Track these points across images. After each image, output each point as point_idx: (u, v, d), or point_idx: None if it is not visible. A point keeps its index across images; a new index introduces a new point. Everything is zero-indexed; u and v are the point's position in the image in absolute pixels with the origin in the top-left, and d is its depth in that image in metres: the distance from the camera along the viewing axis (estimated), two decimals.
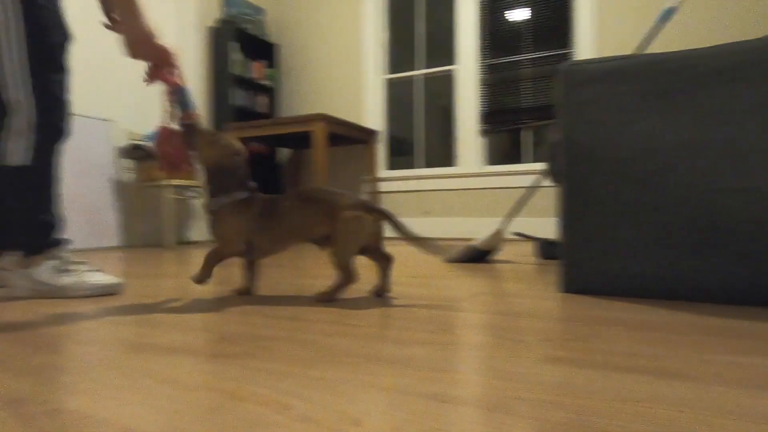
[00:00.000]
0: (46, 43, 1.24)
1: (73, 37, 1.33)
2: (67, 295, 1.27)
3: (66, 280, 1.28)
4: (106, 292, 1.31)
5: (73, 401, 0.55)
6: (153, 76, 1.22)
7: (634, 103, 1.15)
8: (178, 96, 1.21)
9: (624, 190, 1.16)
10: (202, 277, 1.21)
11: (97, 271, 1.34)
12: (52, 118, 1.26)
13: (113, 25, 1.26)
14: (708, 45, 1.95)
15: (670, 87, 1.12)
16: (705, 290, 1.09)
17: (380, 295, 1.21)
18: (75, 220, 3.06)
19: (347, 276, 1.12)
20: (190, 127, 1.18)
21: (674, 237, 1.11)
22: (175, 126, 1.21)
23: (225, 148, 1.17)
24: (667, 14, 1.92)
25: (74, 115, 3.13)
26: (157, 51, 1.20)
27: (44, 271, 1.27)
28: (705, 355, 0.70)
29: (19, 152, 1.22)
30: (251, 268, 1.28)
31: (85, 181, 3.17)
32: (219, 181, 1.17)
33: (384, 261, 1.19)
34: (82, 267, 1.31)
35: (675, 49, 2.88)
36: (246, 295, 1.27)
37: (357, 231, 1.09)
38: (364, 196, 4.32)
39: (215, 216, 1.17)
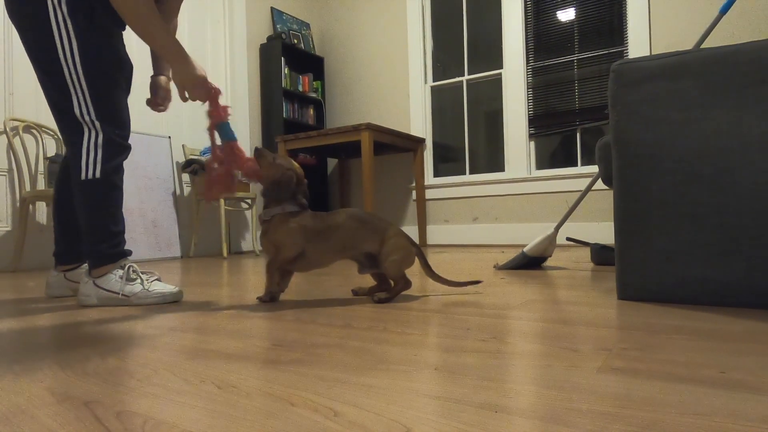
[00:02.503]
0: (106, 69, 1.36)
1: (132, 65, 1.46)
2: (132, 304, 1.35)
3: (132, 289, 1.36)
4: (169, 300, 1.38)
5: (138, 404, 0.59)
6: (210, 112, 1.38)
7: (699, 99, 1.09)
8: (222, 129, 1.37)
9: (687, 192, 1.10)
10: (269, 289, 1.32)
11: (159, 280, 1.41)
12: (116, 136, 1.37)
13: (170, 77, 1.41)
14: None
15: (738, 81, 1.05)
16: None
17: (378, 300, 1.30)
18: (139, 232, 3.23)
19: (405, 283, 1.31)
20: (257, 151, 1.33)
21: (743, 241, 1.04)
22: (220, 150, 1.38)
23: (280, 166, 1.32)
24: (729, 3, 1.83)
25: (138, 133, 3.32)
26: (207, 91, 1.35)
27: (112, 280, 1.36)
28: None
29: (90, 167, 1.33)
30: (286, 277, 1.35)
31: (148, 195, 3.35)
32: (273, 195, 1.30)
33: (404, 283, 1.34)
34: (146, 277, 1.39)
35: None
36: (273, 302, 1.34)
37: (409, 254, 1.31)
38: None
39: (268, 225, 1.29)
